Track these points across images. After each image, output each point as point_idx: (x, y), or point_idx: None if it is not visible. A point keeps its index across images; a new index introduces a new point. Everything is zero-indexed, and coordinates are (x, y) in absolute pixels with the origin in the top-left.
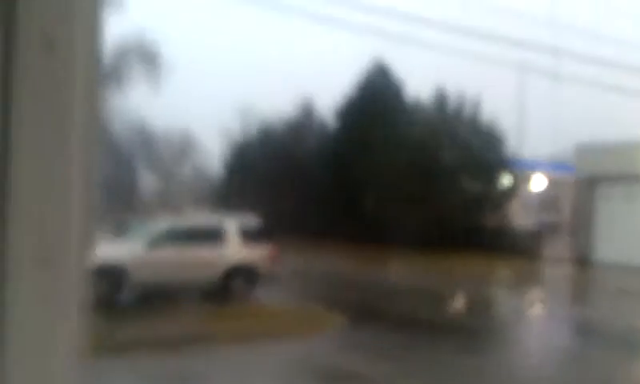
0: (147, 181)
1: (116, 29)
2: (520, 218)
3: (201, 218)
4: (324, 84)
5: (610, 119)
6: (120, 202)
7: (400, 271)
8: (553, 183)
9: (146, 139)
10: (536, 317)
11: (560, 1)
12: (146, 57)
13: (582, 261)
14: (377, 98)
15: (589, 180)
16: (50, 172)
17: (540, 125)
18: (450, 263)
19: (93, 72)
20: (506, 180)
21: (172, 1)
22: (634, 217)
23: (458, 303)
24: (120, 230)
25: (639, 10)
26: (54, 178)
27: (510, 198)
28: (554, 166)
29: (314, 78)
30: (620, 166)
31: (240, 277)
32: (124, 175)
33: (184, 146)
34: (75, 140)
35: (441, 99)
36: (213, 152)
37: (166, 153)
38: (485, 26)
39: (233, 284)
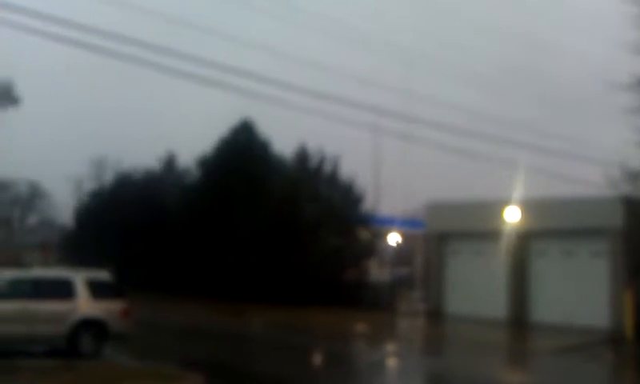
0: None
1: None
2: (376, 272)
3: (48, 270)
4: (190, 139)
5: (458, 180)
6: None
7: (261, 326)
8: (407, 239)
9: None
10: (392, 368)
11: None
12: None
13: (434, 313)
14: (241, 153)
15: (439, 236)
16: None
17: (395, 184)
18: (310, 317)
19: None
20: (363, 236)
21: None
22: (480, 271)
23: (318, 358)
24: None
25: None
26: None
27: (367, 254)
28: (407, 223)
29: (181, 133)
30: (467, 223)
31: (88, 333)
32: None
33: (31, 196)
34: None
35: (302, 156)
36: (64, 202)
37: (11, 202)
38: (342, 91)
39: (81, 340)
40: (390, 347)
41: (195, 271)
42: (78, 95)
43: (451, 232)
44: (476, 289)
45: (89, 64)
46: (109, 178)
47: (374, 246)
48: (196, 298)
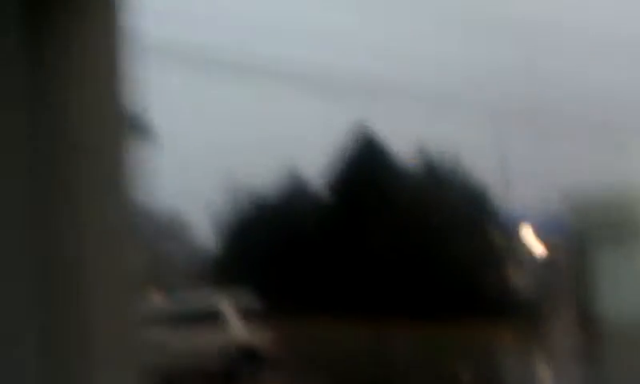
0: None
1: None
2: (516, 278)
3: (197, 297)
4: (308, 152)
5: (599, 169)
6: None
7: (406, 345)
8: (548, 239)
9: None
10: None
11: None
12: (136, 128)
13: (585, 320)
14: (365, 165)
15: (586, 233)
16: None
17: (526, 178)
18: (453, 331)
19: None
20: (500, 240)
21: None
22: (634, 272)
23: (468, 377)
24: None
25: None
26: None
27: (505, 259)
28: (546, 222)
29: (297, 146)
30: (617, 219)
31: (243, 360)
32: None
33: (171, 224)
34: None
35: (426, 159)
36: (202, 229)
37: (153, 231)
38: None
39: (236, 367)
40: (542, 358)
41: (333, 288)
42: (202, 124)
43: (601, 227)
44: (630, 292)
45: None
46: (241, 201)
47: (511, 251)
48: (337, 317)
